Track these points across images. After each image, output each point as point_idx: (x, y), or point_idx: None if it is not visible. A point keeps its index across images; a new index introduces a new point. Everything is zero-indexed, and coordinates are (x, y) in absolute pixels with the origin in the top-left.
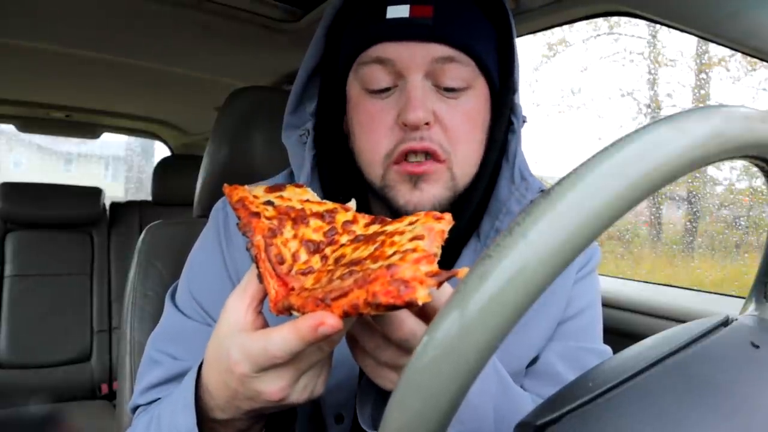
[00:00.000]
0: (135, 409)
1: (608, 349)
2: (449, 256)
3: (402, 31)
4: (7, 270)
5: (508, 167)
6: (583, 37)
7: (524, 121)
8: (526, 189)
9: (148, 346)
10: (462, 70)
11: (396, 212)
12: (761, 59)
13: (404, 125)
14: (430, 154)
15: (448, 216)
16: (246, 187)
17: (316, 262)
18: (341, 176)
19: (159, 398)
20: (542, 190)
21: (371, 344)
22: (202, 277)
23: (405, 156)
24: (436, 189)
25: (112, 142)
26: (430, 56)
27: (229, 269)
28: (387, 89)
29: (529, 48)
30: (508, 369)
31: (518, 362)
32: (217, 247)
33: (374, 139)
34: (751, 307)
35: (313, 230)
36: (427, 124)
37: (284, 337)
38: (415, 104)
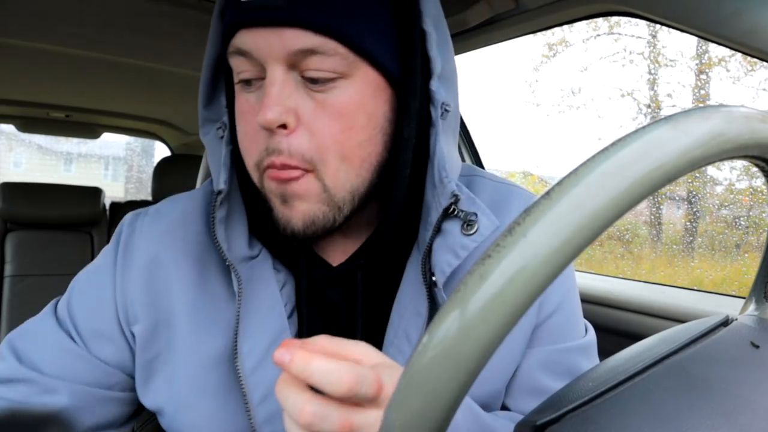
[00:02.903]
0: None
1: (591, 333)
2: (394, 270)
3: (253, 16)
4: (7, 270)
5: (431, 168)
6: (583, 37)
7: (446, 110)
8: (441, 194)
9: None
10: (328, 61)
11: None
12: (761, 59)
13: None
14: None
15: None
16: None
17: None
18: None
19: None
20: (456, 195)
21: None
22: (86, 298)
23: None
24: (306, 204)
25: (112, 142)
26: (287, 47)
27: (117, 296)
28: (255, 80)
29: (529, 48)
30: (488, 390)
31: (498, 380)
32: (110, 270)
33: (246, 143)
34: (751, 307)
35: None
36: (284, 127)
37: None
38: (267, 103)
